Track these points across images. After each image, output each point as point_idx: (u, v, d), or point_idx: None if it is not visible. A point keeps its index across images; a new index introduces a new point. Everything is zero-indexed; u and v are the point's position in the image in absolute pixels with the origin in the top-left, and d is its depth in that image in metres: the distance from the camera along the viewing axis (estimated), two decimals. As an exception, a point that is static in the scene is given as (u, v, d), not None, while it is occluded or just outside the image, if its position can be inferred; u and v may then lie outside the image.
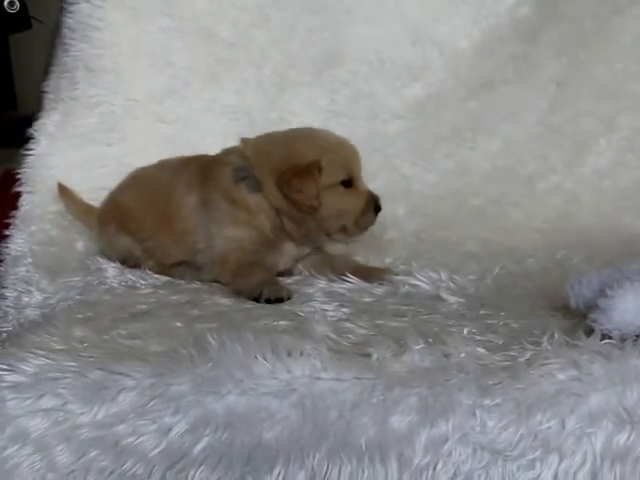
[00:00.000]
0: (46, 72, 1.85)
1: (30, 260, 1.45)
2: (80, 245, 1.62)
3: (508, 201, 1.80)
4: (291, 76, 1.83)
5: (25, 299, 1.43)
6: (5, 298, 1.43)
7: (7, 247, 1.51)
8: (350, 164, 1.45)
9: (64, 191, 1.69)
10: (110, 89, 1.81)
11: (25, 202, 1.66)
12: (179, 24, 1.88)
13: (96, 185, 1.71)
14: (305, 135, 1.48)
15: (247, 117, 1.89)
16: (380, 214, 1.49)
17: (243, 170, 1.45)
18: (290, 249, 1.48)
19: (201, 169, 1.50)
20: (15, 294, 1.43)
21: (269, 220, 1.45)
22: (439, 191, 1.82)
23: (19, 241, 1.52)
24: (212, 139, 1.82)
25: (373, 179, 1.57)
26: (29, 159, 1.74)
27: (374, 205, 1.46)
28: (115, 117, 1.79)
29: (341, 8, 1.95)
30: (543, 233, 1.70)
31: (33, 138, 1.76)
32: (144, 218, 1.54)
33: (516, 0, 1.95)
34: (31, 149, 1.75)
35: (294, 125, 1.79)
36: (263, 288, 1.34)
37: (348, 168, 1.45)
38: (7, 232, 1.54)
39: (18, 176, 1.71)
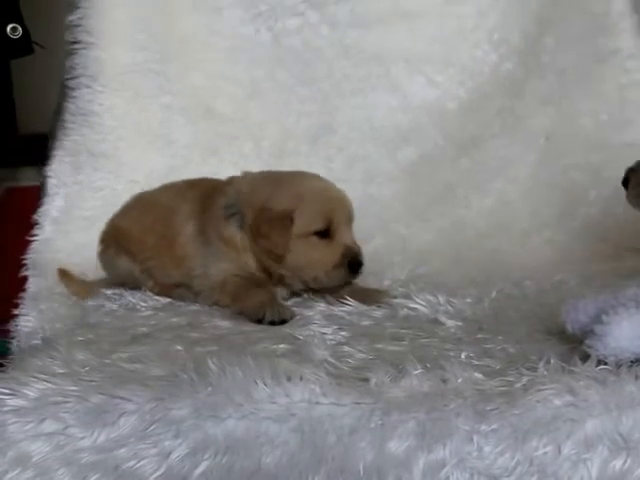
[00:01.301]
0: (48, 154, 1.88)
1: (40, 336, 1.45)
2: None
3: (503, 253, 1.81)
4: (288, 147, 1.87)
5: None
6: None
7: (18, 324, 1.51)
8: (330, 214, 1.42)
9: (64, 275, 1.68)
10: (112, 173, 1.84)
11: (32, 285, 1.66)
12: (180, 101, 1.92)
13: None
14: (291, 180, 1.46)
15: None
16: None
17: (232, 207, 1.46)
18: (275, 289, 1.47)
19: (203, 196, 1.52)
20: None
21: (255, 259, 1.45)
22: (436, 247, 1.83)
23: (30, 319, 1.52)
24: None
25: (369, 241, 1.58)
26: (34, 245, 1.76)
27: (350, 260, 1.42)
28: (118, 200, 1.77)
29: (330, 81, 2.00)
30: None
31: (37, 224, 1.79)
32: (144, 238, 1.55)
33: (499, 56, 1.99)
34: (36, 235, 1.78)
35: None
36: (265, 310, 1.35)
37: (326, 219, 1.42)
38: (16, 311, 1.56)
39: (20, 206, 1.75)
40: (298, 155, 1.96)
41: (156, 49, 1.92)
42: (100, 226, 1.66)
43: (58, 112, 1.89)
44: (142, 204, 1.62)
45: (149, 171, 1.86)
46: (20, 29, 1.87)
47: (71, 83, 1.85)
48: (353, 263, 1.42)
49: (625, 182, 1.43)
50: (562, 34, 1.97)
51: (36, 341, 1.35)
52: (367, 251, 1.48)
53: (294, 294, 1.50)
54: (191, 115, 1.93)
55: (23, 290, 1.64)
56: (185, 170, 1.87)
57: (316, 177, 1.49)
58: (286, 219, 1.40)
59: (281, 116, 1.99)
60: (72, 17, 1.85)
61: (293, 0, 2.00)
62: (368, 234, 1.59)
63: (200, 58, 1.98)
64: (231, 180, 1.53)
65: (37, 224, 1.79)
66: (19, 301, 1.58)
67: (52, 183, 1.83)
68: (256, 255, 1.44)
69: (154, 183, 1.76)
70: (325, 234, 1.42)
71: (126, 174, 1.85)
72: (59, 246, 1.77)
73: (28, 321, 1.51)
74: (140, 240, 1.55)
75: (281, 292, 1.48)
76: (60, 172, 1.84)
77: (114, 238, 1.60)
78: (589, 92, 1.92)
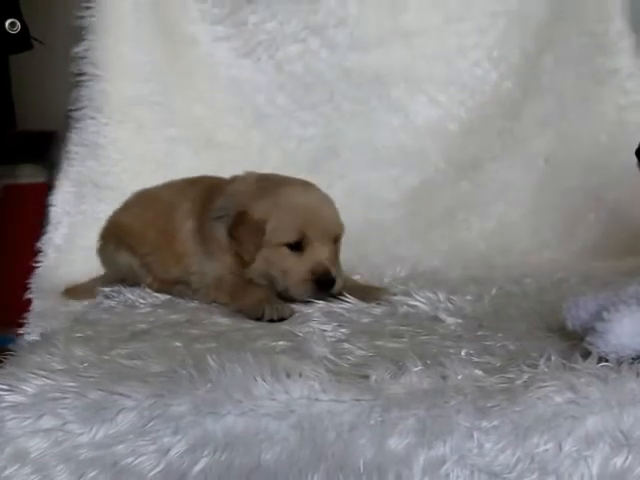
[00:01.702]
0: (51, 183, 1.90)
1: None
2: None
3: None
4: (289, 173, 1.88)
5: None
6: None
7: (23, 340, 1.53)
8: (303, 228, 1.41)
9: (69, 292, 1.69)
10: (116, 204, 1.79)
11: (37, 306, 1.68)
12: (183, 132, 1.94)
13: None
14: (275, 188, 1.45)
15: None
16: None
17: (225, 208, 1.46)
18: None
19: (203, 194, 1.52)
20: None
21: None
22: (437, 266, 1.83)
23: (35, 337, 1.50)
24: None
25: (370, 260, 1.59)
26: (38, 271, 1.79)
27: (319, 277, 1.41)
28: None
29: (331, 105, 2.01)
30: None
31: (41, 251, 1.81)
32: (145, 233, 1.55)
33: (499, 75, 2.00)
34: (40, 261, 1.80)
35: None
36: (264, 307, 1.35)
37: (299, 232, 1.41)
38: (21, 330, 1.58)
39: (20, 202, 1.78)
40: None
41: (160, 81, 1.95)
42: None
43: (61, 139, 1.91)
44: (143, 200, 1.62)
45: None
46: (19, 24, 1.87)
47: (76, 114, 1.87)
48: (322, 280, 1.41)
49: (638, 152, 1.39)
50: (561, 53, 1.99)
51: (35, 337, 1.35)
52: (366, 267, 1.49)
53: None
54: (194, 145, 1.95)
55: (25, 293, 1.68)
56: None
57: (305, 189, 1.48)
58: (258, 228, 1.40)
59: (282, 141, 2.01)
60: (77, 49, 1.88)
61: (294, 28, 2.03)
62: (369, 255, 1.60)
63: (202, 89, 2.01)
64: (233, 180, 1.53)
65: (40, 251, 1.82)
66: (23, 321, 1.60)
67: (56, 212, 1.86)
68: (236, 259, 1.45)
69: None
70: (297, 247, 1.41)
71: None
72: (62, 273, 1.79)
73: (32, 336, 1.52)
74: (140, 235, 1.55)
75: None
76: (64, 202, 1.87)
77: (114, 234, 1.60)
78: (588, 113, 1.93)
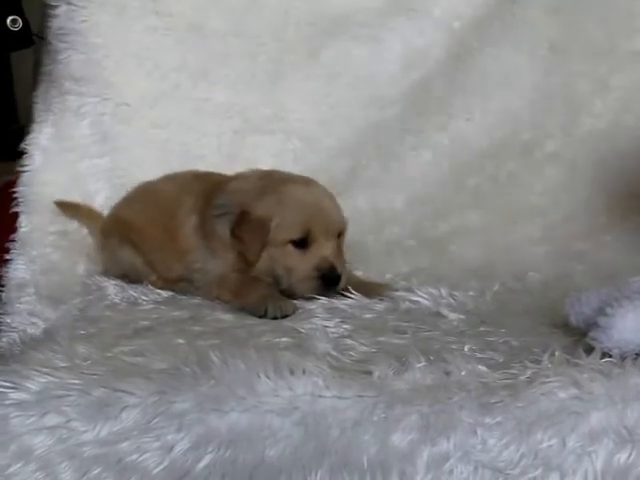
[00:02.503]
0: (35, 81, 1.81)
1: (33, 290, 1.42)
2: (81, 268, 1.59)
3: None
4: (289, 59, 1.80)
5: (30, 331, 1.37)
6: (10, 327, 1.36)
7: (8, 272, 1.47)
8: (307, 225, 1.40)
9: (62, 205, 1.67)
10: (99, 96, 1.76)
11: (24, 224, 1.61)
12: (167, 21, 1.81)
13: (91, 201, 1.71)
14: (278, 185, 1.44)
15: (241, 115, 1.83)
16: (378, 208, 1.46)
17: (226, 205, 1.45)
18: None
19: (207, 191, 1.51)
20: (20, 327, 1.38)
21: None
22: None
23: (21, 267, 1.49)
24: (207, 140, 1.80)
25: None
26: (24, 176, 1.69)
27: (324, 273, 1.40)
28: (106, 126, 1.75)
29: None
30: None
31: (26, 153, 1.70)
32: (148, 231, 1.54)
33: None
34: (26, 165, 1.70)
35: (290, 121, 1.80)
36: (267, 305, 1.34)
37: (304, 229, 1.40)
38: (7, 256, 1.50)
39: (15, 195, 1.66)
40: (296, 73, 1.88)
41: None
42: (89, 160, 1.63)
43: (41, 36, 1.80)
44: (145, 195, 1.61)
45: (138, 95, 1.78)
46: (20, 21, 1.86)
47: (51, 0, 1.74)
48: (327, 277, 1.40)
49: None
50: None
51: (35, 326, 1.33)
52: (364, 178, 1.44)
53: None
54: (178, 37, 1.81)
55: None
56: (176, 94, 1.80)
57: (307, 185, 1.47)
58: (262, 226, 1.39)
59: (279, 30, 1.87)
60: None
61: None
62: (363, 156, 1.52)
63: None
64: (237, 177, 1.52)
65: (25, 153, 1.70)
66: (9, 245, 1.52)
67: (40, 109, 1.75)
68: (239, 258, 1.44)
69: (144, 109, 1.72)
70: (302, 244, 1.41)
71: (114, 97, 1.77)
72: (48, 179, 1.70)
73: (19, 270, 1.48)
74: (143, 232, 1.54)
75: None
76: (46, 98, 1.75)
77: (117, 229, 1.58)
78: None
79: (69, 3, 1.74)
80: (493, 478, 0.95)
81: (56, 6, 1.74)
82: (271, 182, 1.46)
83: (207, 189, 1.51)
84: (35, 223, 1.61)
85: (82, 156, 1.75)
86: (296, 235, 1.40)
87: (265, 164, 1.65)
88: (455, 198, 1.79)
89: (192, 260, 1.48)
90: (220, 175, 1.57)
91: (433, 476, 0.95)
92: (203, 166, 1.68)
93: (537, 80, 1.86)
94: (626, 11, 1.86)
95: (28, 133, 1.74)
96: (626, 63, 1.81)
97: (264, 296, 1.37)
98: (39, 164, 1.70)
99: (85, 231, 1.66)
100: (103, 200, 1.72)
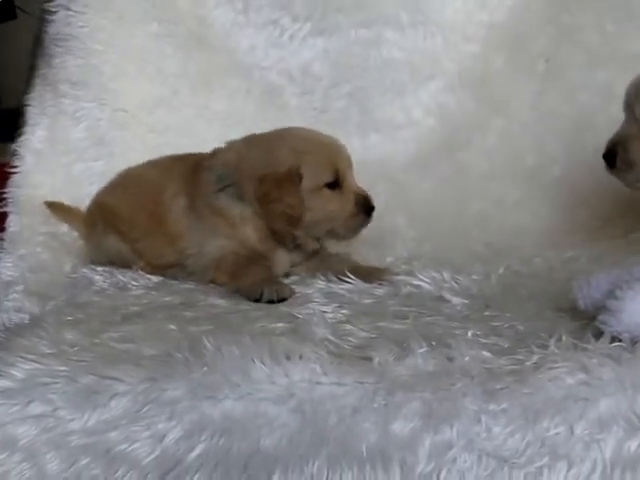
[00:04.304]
0: (28, 83, 1.78)
1: (22, 287, 1.40)
2: (69, 267, 1.55)
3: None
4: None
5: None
6: None
7: None
8: (335, 164, 1.38)
9: (52, 206, 1.64)
10: (96, 101, 1.75)
11: (12, 224, 1.60)
12: (169, 28, 1.82)
13: (84, 203, 1.66)
14: (283, 137, 1.41)
15: (241, 124, 1.81)
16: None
17: (225, 178, 1.41)
18: (282, 257, 1.43)
19: (188, 171, 1.46)
20: (7, 323, 1.34)
21: (256, 230, 1.41)
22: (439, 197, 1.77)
23: (9, 265, 1.47)
24: (205, 146, 1.78)
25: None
26: (15, 177, 1.68)
27: (364, 205, 1.40)
28: (102, 130, 1.74)
29: None
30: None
31: (17, 154, 1.70)
32: (134, 219, 1.50)
33: None
34: (16, 166, 1.69)
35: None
36: (263, 288, 1.31)
37: (332, 169, 1.38)
38: None
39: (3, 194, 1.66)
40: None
41: None
42: (83, 163, 1.63)
43: (37, 38, 1.78)
44: (129, 181, 1.57)
45: (137, 101, 1.78)
46: None
47: (49, 6, 1.74)
48: (367, 209, 1.41)
49: (608, 156, 1.32)
50: None
51: (24, 316, 1.31)
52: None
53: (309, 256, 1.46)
54: (179, 43, 1.83)
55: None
56: (175, 101, 1.81)
57: (308, 129, 1.44)
58: (294, 177, 1.35)
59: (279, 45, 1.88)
60: None
61: None
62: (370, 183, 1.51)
63: None
64: (215, 152, 1.47)
65: (16, 154, 1.69)
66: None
67: (33, 112, 1.73)
68: (266, 224, 1.40)
69: (142, 114, 1.71)
70: (334, 185, 1.39)
71: (111, 102, 1.76)
72: (40, 181, 1.69)
73: (7, 268, 1.46)
74: (129, 219, 1.51)
75: (296, 257, 1.44)
76: (41, 102, 1.74)
77: (101, 216, 1.55)
78: (591, 1, 1.80)
79: (68, 9, 1.75)
80: (498, 467, 0.92)
81: (54, 12, 1.74)
82: (270, 138, 1.42)
83: (188, 169, 1.47)
84: (24, 224, 1.60)
85: (76, 159, 1.74)
86: (329, 177, 1.39)
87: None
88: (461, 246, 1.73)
89: (185, 245, 1.44)
90: (196, 154, 1.52)
91: (435, 465, 0.92)
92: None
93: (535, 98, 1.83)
94: (622, 9, 1.80)
95: (16, 114, 1.71)
96: (628, 68, 1.75)
97: (262, 279, 1.34)
98: (31, 166, 1.70)
99: (75, 234, 1.64)
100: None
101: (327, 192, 1.39)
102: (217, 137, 1.73)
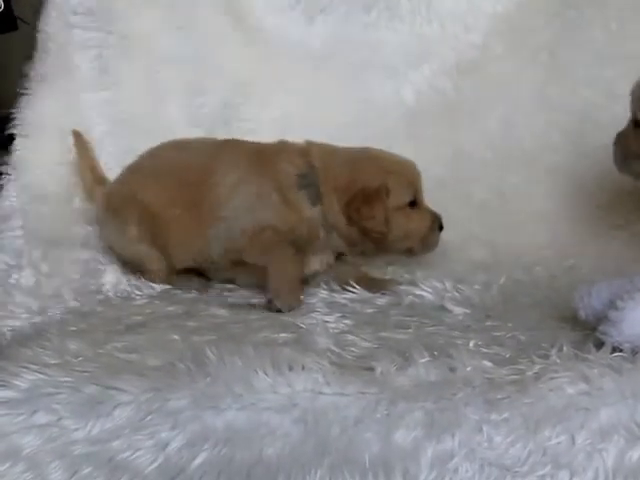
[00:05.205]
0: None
1: (21, 223, 1.35)
2: (77, 202, 1.52)
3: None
4: None
5: (14, 276, 1.33)
6: None
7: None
8: (414, 184, 1.44)
9: (79, 138, 1.59)
10: (103, 30, 1.70)
11: (19, 146, 1.55)
12: None
13: (89, 132, 1.65)
14: (369, 156, 1.44)
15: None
16: None
17: (307, 178, 1.41)
18: (313, 261, 1.44)
19: (251, 155, 1.43)
20: (4, 267, 1.34)
21: (314, 232, 1.41)
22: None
23: (11, 195, 1.43)
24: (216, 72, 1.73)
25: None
26: (24, 99, 1.63)
27: (438, 223, 1.45)
28: (109, 60, 1.70)
29: None
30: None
31: (26, 75, 1.65)
32: (167, 212, 1.43)
33: None
34: (26, 88, 1.64)
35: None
36: (280, 295, 1.33)
37: (413, 189, 1.43)
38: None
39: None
40: None
41: None
42: (90, 92, 1.62)
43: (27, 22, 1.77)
44: (162, 169, 1.48)
45: (144, 27, 1.71)
46: (2, 3, 1.81)
47: None
48: (440, 226, 1.46)
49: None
50: None
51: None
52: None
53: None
54: None
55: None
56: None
57: (387, 152, 1.47)
58: (382, 194, 1.39)
59: None
60: None
61: None
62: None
63: None
64: (288, 147, 1.45)
65: (26, 75, 1.66)
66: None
67: (42, 39, 1.69)
68: (344, 233, 1.41)
69: (149, 42, 1.67)
70: (413, 204, 1.44)
71: (118, 30, 1.71)
72: (49, 105, 1.64)
73: (7, 198, 1.43)
74: (161, 214, 1.44)
75: (328, 258, 1.45)
76: (49, 30, 1.70)
77: (125, 207, 1.47)
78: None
79: None
80: (500, 476, 0.92)
81: None
82: (356, 155, 1.44)
83: (250, 154, 1.44)
84: (30, 147, 1.56)
85: (84, 87, 1.69)
86: (410, 197, 1.43)
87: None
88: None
89: (222, 216, 1.39)
90: (251, 143, 1.48)
91: (437, 474, 0.92)
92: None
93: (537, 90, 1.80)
94: (628, 9, 1.78)
95: (12, 120, 1.68)
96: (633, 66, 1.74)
97: (288, 280, 1.34)
98: (39, 90, 1.65)
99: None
100: (100, 134, 1.67)
101: (409, 210, 1.43)
102: (229, 65, 1.74)
